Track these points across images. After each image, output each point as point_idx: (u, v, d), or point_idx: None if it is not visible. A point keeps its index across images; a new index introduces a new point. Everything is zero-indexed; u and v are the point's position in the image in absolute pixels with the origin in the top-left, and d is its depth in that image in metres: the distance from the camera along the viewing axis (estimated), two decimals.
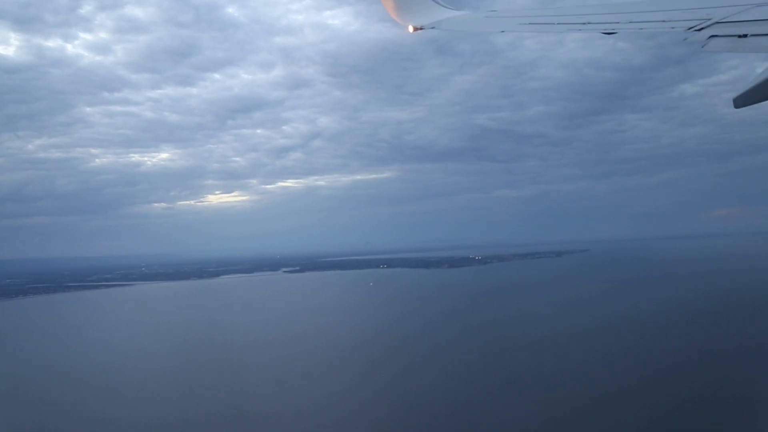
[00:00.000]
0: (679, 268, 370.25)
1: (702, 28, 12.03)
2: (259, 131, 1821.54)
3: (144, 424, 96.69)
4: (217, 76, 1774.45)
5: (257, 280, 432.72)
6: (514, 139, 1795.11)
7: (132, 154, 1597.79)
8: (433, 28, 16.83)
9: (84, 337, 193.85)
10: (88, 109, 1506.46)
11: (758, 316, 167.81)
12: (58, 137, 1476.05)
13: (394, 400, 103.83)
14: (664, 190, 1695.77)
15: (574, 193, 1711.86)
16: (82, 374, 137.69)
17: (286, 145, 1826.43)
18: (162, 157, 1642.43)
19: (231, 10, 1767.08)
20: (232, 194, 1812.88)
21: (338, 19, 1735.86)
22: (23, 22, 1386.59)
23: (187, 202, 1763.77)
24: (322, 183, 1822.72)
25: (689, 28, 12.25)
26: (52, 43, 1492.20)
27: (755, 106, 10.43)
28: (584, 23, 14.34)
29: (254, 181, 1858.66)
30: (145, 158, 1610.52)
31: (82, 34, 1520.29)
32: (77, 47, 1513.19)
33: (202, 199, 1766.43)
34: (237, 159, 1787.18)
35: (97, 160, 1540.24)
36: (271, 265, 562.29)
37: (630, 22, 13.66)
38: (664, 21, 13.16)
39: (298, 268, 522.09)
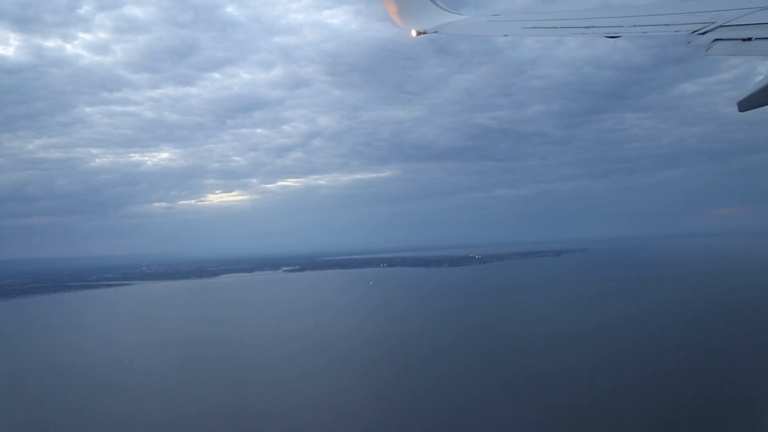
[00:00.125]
0: (679, 268, 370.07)
1: (706, 32, 11.97)
2: (258, 131, 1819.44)
3: (145, 421, 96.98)
4: (216, 75, 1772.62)
5: (257, 279, 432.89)
6: (514, 138, 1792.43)
7: (132, 154, 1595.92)
8: (436, 32, 16.79)
9: (85, 336, 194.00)
10: (87, 109, 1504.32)
11: (758, 316, 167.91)
12: (58, 137, 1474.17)
13: (393, 398, 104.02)
14: (664, 189, 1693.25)
15: (574, 192, 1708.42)
16: (84, 372, 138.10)
17: (286, 144, 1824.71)
18: (162, 156, 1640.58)
19: (230, 10, 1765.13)
20: (233, 193, 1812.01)
21: (338, 18, 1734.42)
22: (22, 22, 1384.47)
23: (188, 201, 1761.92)
24: (322, 182, 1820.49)
25: (693, 32, 12.20)
26: (52, 43, 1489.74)
27: None
28: (587, 27, 14.29)
29: (254, 181, 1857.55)
30: (145, 158, 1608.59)
31: (81, 34, 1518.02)
32: (76, 47, 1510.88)
33: (202, 199, 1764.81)
34: (237, 158, 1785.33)
35: (97, 160, 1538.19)
36: (272, 264, 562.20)
37: (633, 26, 13.61)
38: (667, 25, 13.12)
39: (298, 267, 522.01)
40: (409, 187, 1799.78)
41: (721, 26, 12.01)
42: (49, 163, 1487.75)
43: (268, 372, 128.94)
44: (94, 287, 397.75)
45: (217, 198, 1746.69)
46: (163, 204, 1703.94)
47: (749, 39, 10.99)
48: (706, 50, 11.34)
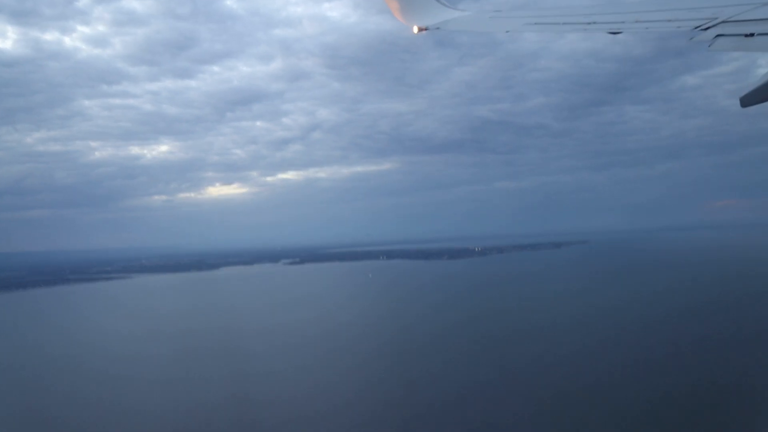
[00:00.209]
0: (678, 260, 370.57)
1: (708, 28, 12.04)
2: (258, 123, 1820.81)
3: (145, 412, 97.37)
4: (215, 68, 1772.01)
5: (257, 272, 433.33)
6: (514, 130, 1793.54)
7: (131, 147, 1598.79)
8: (437, 28, 16.86)
9: (84, 329, 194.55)
10: (86, 102, 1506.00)
11: (754, 307, 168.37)
12: (57, 130, 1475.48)
13: (390, 388, 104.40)
14: (663, 182, 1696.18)
15: (574, 185, 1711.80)
16: (83, 364, 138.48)
17: (286, 137, 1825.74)
18: (161, 149, 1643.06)
19: (229, 2, 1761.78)
20: (232, 186, 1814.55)
21: (337, 11, 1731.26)
22: (20, 15, 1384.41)
23: (187, 194, 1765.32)
24: (321, 175, 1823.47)
25: (695, 27, 12.28)
26: (50, 36, 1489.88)
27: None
28: (590, 23, 14.35)
29: (254, 173, 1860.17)
30: (145, 151, 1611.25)
31: (79, 27, 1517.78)
32: (75, 40, 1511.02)
33: (202, 192, 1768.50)
34: (237, 151, 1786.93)
35: (96, 153, 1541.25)
36: (271, 256, 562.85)
37: (636, 22, 13.64)
38: (670, 20, 13.17)
39: (298, 259, 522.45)
40: (409, 179, 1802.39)
41: (724, 22, 12.04)
42: (48, 156, 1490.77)
43: (267, 363, 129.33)
44: (94, 280, 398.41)
45: (216, 191, 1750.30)
46: (163, 197, 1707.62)
47: (752, 35, 11.06)
48: (709, 46, 11.43)
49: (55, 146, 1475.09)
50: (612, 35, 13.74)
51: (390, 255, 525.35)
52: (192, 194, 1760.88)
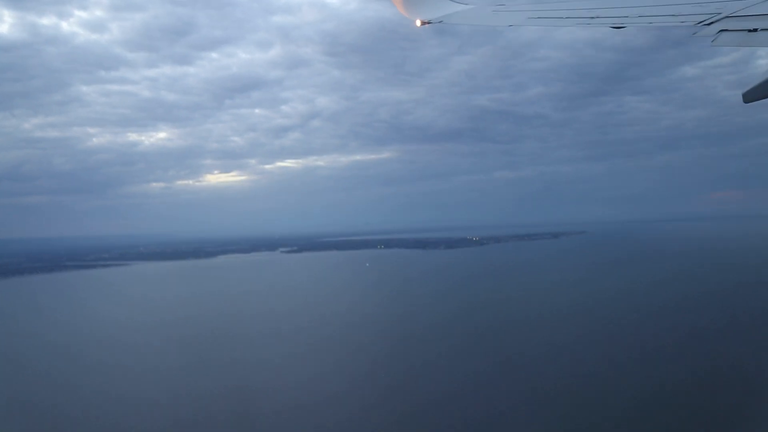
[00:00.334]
0: (676, 250, 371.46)
1: (712, 23, 12.09)
2: (257, 111, 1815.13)
3: (141, 400, 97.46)
4: (214, 55, 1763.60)
5: (254, 260, 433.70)
6: (513, 120, 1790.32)
7: (129, 134, 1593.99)
8: (440, 22, 16.83)
9: (81, 316, 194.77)
10: (84, 88, 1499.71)
11: (751, 297, 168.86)
12: (55, 116, 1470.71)
13: (386, 377, 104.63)
14: (663, 173, 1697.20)
15: (573, 175, 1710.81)
16: (79, 352, 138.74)
17: (285, 124, 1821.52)
18: (160, 136, 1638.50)
19: None
20: (231, 174, 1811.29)
21: None
22: None
23: (186, 181, 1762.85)
24: (320, 163, 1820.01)
25: (699, 23, 12.32)
26: (47, 20, 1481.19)
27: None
28: (593, 17, 14.40)
29: (253, 161, 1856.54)
30: (143, 138, 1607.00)
31: (77, 12, 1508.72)
32: (72, 25, 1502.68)
33: (200, 179, 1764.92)
34: (235, 139, 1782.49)
35: (94, 139, 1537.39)
36: (269, 245, 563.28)
37: (639, 17, 13.75)
38: (673, 15, 13.23)
39: (295, 248, 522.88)
40: (408, 168, 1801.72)
41: (727, 17, 12.10)
42: (46, 142, 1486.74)
43: (262, 351, 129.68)
44: (91, 267, 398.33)
45: (215, 178, 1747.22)
46: (161, 184, 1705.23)
47: (755, 30, 11.12)
48: (712, 41, 11.47)
49: (53, 132, 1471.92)
50: (616, 29, 13.81)
51: (388, 244, 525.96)
52: (190, 182, 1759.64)
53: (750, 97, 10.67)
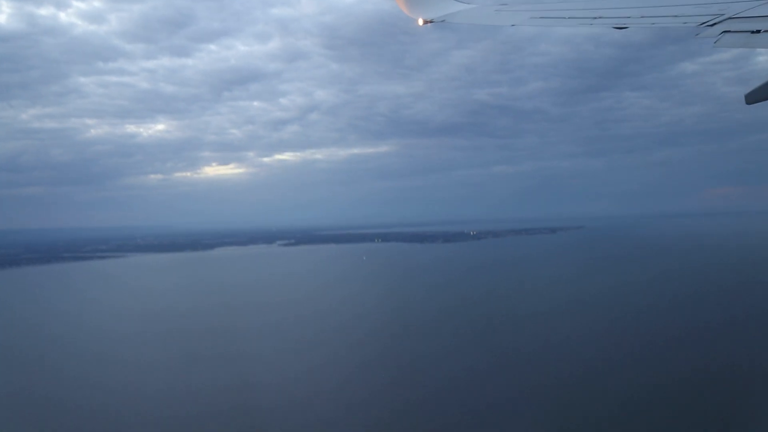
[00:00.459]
0: (673, 246, 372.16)
1: (714, 24, 12.07)
2: (255, 103, 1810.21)
3: (137, 392, 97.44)
4: (212, 47, 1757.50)
5: (252, 253, 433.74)
6: (512, 114, 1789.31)
7: (127, 125, 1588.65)
8: (443, 21, 16.86)
9: (77, 308, 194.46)
10: (82, 79, 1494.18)
11: (748, 292, 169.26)
12: (53, 107, 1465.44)
13: (383, 370, 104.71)
14: (661, 169, 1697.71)
15: (571, 170, 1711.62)
16: (75, 343, 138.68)
17: (283, 117, 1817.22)
18: (158, 128, 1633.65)
19: None
20: (229, 166, 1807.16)
21: None
22: None
23: (184, 173, 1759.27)
24: (318, 156, 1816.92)
25: (701, 24, 12.30)
26: (45, 11, 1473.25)
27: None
28: (596, 17, 14.42)
29: (251, 154, 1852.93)
30: (141, 129, 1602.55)
31: (75, 3, 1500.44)
32: (70, 16, 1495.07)
33: (198, 171, 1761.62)
34: (233, 131, 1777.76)
35: (92, 130, 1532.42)
36: (267, 237, 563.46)
37: (642, 17, 13.77)
38: (676, 16, 13.29)
39: (293, 241, 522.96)
40: (406, 162, 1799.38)
41: (730, 18, 12.09)
42: (44, 133, 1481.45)
43: (258, 343, 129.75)
44: (89, 258, 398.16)
45: (213, 170, 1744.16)
46: (159, 176, 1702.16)
47: (758, 31, 11.11)
48: (715, 42, 11.44)
49: (51, 123, 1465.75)
50: (619, 30, 13.84)
51: (385, 238, 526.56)
52: (188, 174, 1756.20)
53: (753, 98, 10.68)
